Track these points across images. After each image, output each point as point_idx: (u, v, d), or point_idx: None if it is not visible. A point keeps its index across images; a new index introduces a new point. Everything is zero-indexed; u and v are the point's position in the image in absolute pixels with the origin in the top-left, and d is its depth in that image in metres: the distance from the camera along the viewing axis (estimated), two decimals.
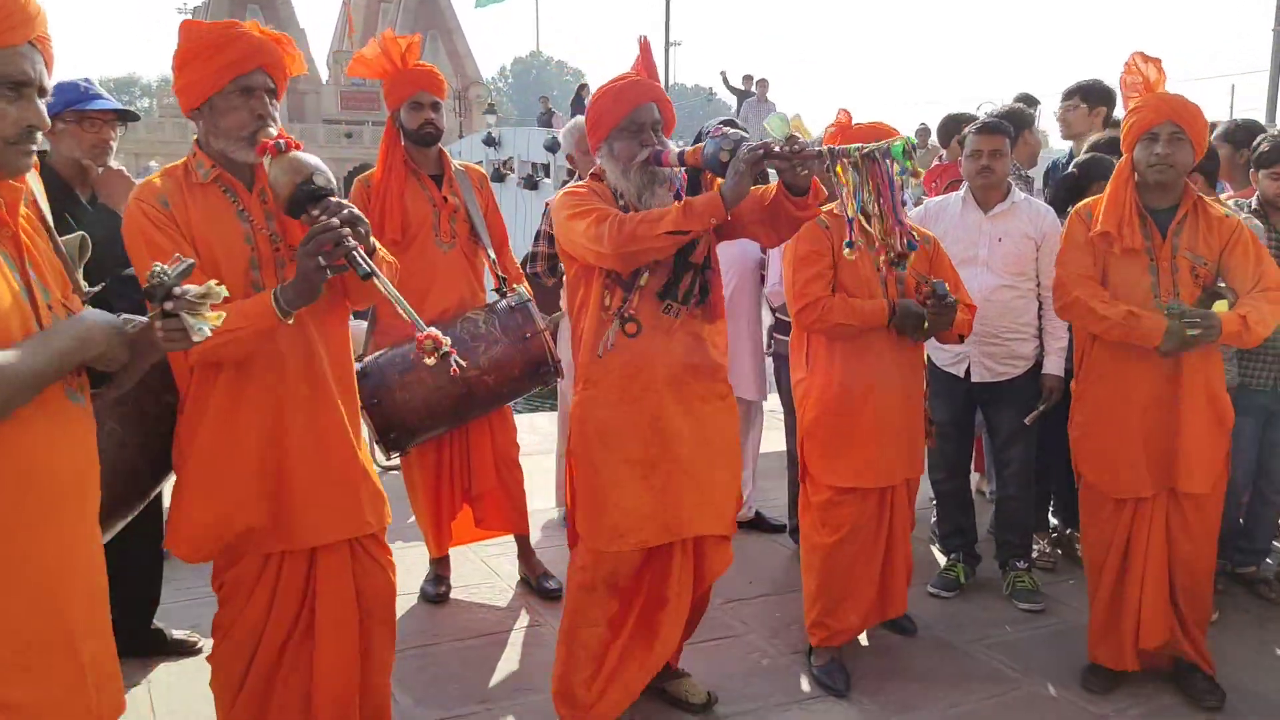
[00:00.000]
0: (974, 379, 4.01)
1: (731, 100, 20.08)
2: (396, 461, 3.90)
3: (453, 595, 4.02)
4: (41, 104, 1.74)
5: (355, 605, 2.58)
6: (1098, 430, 3.27)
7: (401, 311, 2.13)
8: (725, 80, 19.88)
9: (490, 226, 3.90)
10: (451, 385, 3.46)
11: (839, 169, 2.43)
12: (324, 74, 43.01)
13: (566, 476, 2.99)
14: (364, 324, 3.96)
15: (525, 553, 4.14)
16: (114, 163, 3.34)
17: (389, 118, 3.80)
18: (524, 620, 3.84)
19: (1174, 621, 3.28)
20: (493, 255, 3.88)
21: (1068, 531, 4.54)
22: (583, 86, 24.02)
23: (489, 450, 3.88)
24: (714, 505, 2.94)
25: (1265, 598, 4.08)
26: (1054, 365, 4.00)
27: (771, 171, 2.80)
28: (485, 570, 4.27)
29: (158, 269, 1.82)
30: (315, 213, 2.24)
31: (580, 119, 5.05)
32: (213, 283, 1.83)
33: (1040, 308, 3.98)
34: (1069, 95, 5.05)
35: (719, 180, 2.65)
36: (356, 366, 3.30)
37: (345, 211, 2.24)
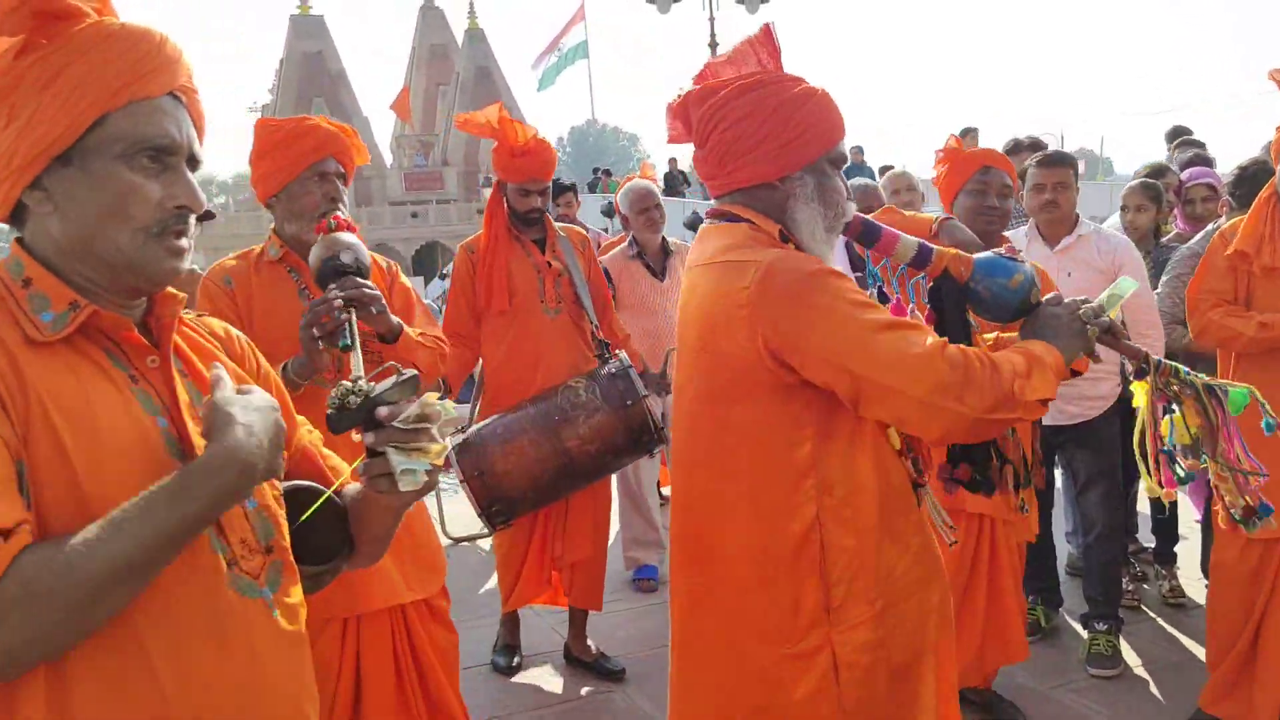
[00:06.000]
0: (1044, 422, 3.81)
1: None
2: (468, 534, 3.78)
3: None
4: (193, 178, 1.26)
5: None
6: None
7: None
8: None
9: (593, 290, 3.81)
10: (555, 456, 3.36)
11: (1165, 383, 1.86)
12: (388, 159, 44.22)
13: None
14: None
15: (579, 630, 3.97)
16: (190, 262, 3.39)
17: (495, 184, 3.73)
18: (589, 689, 3.78)
19: None
20: (594, 320, 3.78)
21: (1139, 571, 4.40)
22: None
23: (589, 519, 3.75)
24: None
25: None
26: None
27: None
28: (556, 639, 4.22)
29: (347, 385, 1.25)
30: (333, 288, 2.27)
31: (639, 182, 4.94)
32: (433, 397, 1.25)
33: None
34: None
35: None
36: (459, 438, 3.33)
37: (356, 290, 2.27)
